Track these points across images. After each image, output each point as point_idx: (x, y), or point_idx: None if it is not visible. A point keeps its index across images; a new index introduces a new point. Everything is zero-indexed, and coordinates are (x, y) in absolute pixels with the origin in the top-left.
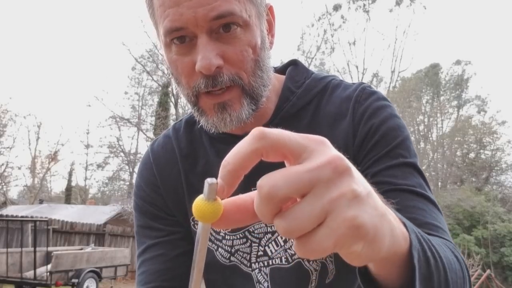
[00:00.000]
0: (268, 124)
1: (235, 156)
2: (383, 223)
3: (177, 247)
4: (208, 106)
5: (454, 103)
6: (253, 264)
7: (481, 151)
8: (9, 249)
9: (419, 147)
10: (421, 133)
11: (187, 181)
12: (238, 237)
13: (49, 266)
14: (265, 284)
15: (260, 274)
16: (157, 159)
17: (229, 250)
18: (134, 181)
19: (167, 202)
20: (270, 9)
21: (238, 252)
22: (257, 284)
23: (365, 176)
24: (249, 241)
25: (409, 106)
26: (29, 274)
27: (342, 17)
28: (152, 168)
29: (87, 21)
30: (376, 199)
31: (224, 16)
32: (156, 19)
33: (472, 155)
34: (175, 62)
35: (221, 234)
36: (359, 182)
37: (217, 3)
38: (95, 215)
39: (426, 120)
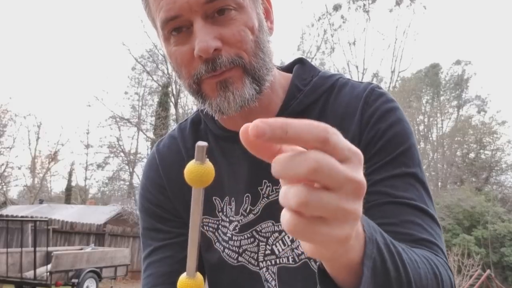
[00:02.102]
0: None
1: (302, 130)
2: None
3: (184, 249)
4: (211, 88)
5: (454, 103)
6: (260, 263)
7: (481, 151)
8: (9, 249)
9: (419, 147)
10: (421, 133)
11: None
12: (246, 237)
13: (49, 266)
14: (273, 283)
15: (267, 272)
16: (163, 160)
17: (237, 250)
18: (134, 181)
19: (174, 203)
20: None
21: (246, 252)
22: (265, 282)
23: (367, 182)
24: (256, 240)
25: (409, 106)
26: (29, 274)
27: (342, 17)
28: (158, 169)
29: (87, 21)
30: (361, 220)
31: None
32: (153, 15)
33: (472, 155)
34: (174, 54)
35: (228, 235)
36: (361, 208)
37: None
38: (95, 215)
39: (426, 120)
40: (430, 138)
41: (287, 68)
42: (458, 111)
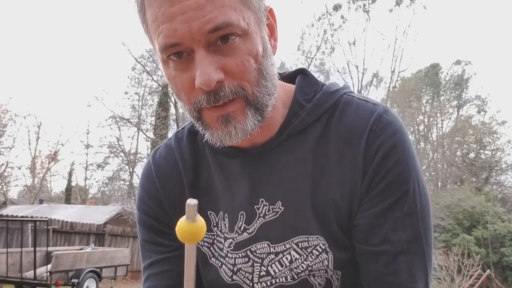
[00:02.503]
0: (275, 138)
1: None
2: None
3: (183, 262)
4: (212, 119)
5: (454, 103)
6: (255, 284)
7: (481, 151)
8: (9, 249)
9: (419, 147)
10: (421, 133)
11: (190, 195)
12: (240, 255)
13: (49, 266)
14: None
15: None
16: (160, 172)
17: (232, 268)
18: (134, 181)
19: (171, 216)
20: (270, 12)
21: (240, 271)
22: None
23: (367, 222)
24: (251, 260)
25: (409, 106)
26: (29, 274)
27: (342, 17)
28: (155, 181)
29: (87, 21)
30: None
31: (220, 28)
32: (151, 35)
33: (472, 155)
34: (174, 79)
35: (224, 251)
36: None
37: (212, 14)
38: (95, 215)
39: (426, 120)
40: (430, 138)
41: (288, 77)
42: (458, 111)
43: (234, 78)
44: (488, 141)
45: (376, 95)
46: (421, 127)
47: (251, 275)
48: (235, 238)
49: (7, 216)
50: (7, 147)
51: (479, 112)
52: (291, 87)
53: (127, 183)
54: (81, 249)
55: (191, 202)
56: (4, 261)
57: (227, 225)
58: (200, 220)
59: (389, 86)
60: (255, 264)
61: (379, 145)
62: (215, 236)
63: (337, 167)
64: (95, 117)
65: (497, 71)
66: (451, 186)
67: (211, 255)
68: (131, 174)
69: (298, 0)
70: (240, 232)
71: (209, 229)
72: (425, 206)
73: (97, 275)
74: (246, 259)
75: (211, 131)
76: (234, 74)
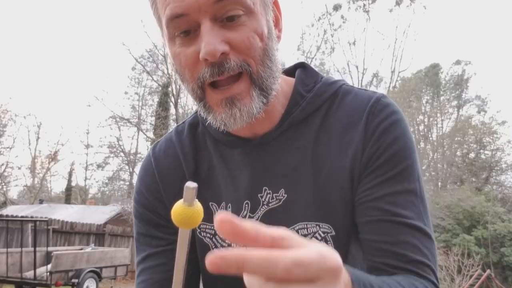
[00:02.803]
0: (276, 128)
1: (259, 267)
2: None
3: None
4: (216, 102)
5: (454, 103)
6: None
7: (481, 151)
8: (9, 249)
9: (419, 147)
10: (421, 133)
11: None
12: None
13: (49, 266)
14: None
15: None
16: (160, 165)
17: None
18: (134, 181)
19: (169, 209)
20: (275, 4)
21: None
22: None
23: (368, 196)
24: None
25: (409, 106)
26: (29, 274)
27: (342, 17)
28: (154, 174)
29: (87, 21)
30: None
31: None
32: (159, 13)
33: (472, 155)
34: (178, 56)
35: (228, 241)
36: None
37: None
38: (95, 215)
39: (426, 120)
40: (430, 138)
41: (288, 72)
42: (458, 111)
43: (240, 53)
44: (488, 141)
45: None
46: (421, 127)
47: None
48: None
49: (7, 216)
50: (7, 147)
51: (479, 112)
52: (292, 80)
53: (127, 183)
54: (81, 249)
55: (190, 185)
56: (4, 261)
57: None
58: (198, 205)
59: (389, 86)
60: None
61: (378, 123)
62: None
63: (338, 150)
64: (95, 117)
65: (497, 71)
66: (451, 186)
67: (213, 246)
68: (131, 174)
69: (298, 0)
70: None
71: (211, 220)
72: (423, 188)
73: (97, 275)
74: None
75: (214, 114)
76: (240, 49)
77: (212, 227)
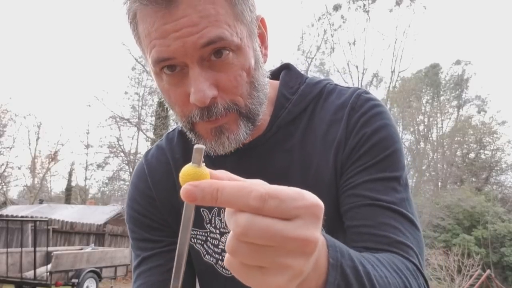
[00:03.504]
0: (265, 133)
1: (233, 196)
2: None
3: (174, 258)
4: (205, 131)
5: (454, 103)
6: None
7: (481, 151)
8: (9, 249)
9: (419, 147)
10: (421, 133)
11: None
12: None
13: (49, 266)
14: None
15: None
16: (152, 171)
17: None
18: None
19: (162, 213)
20: (261, 22)
21: None
22: None
23: (349, 185)
24: None
25: (409, 106)
26: (29, 274)
27: (342, 17)
28: (147, 180)
29: (87, 21)
30: (312, 263)
31: (214, 42)
32: (143, 47)
33: (472, 155)
34: (167, 92)
35: (221, 247)
36: (310, 262)
37: (206, 29)
38: (95, 215)
39: (426, 120)
40: (430, 138)
41: (274, 74)
42: (458, 111)
43: (227, 94)
44: (488, 141)
45: (376, 95)
46: (421, 127)
47: None
48: None
49: (7, 216)
50: (7, 147)
51: (479, 112)
52: (277, 83)
53: (127, 183)
54: (81, 249)
55: (199, 146)
56: (4, 261)
57: (223, 220)
58: (205, 168)
59: (389, 86)
60: None
61: (358, 117)
62: (209, 233)
63: (323, 148)
64: (95, 117)
65: (497, 71)
66: (451, 186)
67: (205, 253)
68: (131, 174)
69: (298, 0)
70: None
71: (202, 227)
72: (407, 178)
73: (97, 275)
74: None
75: (204, 142)
76: (227, 90)
77: (204, 233)
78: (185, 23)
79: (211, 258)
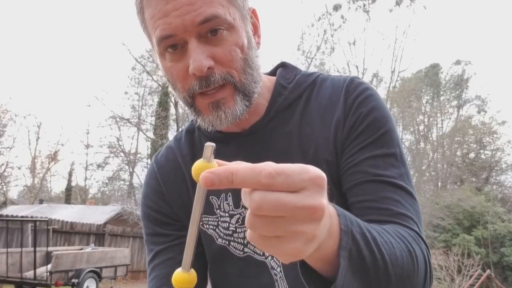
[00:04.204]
0: (263, 118)
1: (246, 177)
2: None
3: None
4: (203, 106)
5: (454, 103)
6: (265, 253)
7: (481, 151)
8: (9, 249)
9: (419, 147)
10: (421, 133)
11: (192, 185)
12: None
13: (49, 266)
14: (278, 269)
15: (273, 260)
16: (161, 169)
17: (242, 242)
18: (134, 181)
19: (173, 208)
20: (253, 13)
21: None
22: (272, 270)
23: (351, 162)
24: None
25: (409, 106)
26: (29, 274)
27: (342, 17)
28: (157, 177)
29: (87, 21)
30: (326, 230)
31: (209, 19)
32: (149, 32)
33: (472, 155)
34: (170, 69)
35: (231, 228)
36: (322, 228)
37: (202, 8)
38: (95, 215)
39: (426, 120)
40: (430, 138)
41: (271, 73)
42: (458, 111)
43: (223, 66)
44: (488, 141)
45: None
46: (421, 127)
47: None
48: (242, 213)
49: (7, 216)
50: (7, 147)
51: (479, 112)
52: (274, 77)
53: (127, 183)
54: (81, 249)
55: (209, 144)
56: (4, 261)
57: (231, 203)
58: (214, 163)
59: (389, 86)
60: None
61: (354, 98)
62: (219, 218)
63: (322, 129)
64: (95, 117)
65: (497, 71)
66: (451, 186)
67: (217, 236)
68: (131, 174)
69: (298, 0)
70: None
71: (213, 213)
72: (403, 152)
73: (97, 275)
74: None
75: (203, 117)
76: (223, 62)
77: (215, 219)
78: (184, 2)
79: (224, 241)
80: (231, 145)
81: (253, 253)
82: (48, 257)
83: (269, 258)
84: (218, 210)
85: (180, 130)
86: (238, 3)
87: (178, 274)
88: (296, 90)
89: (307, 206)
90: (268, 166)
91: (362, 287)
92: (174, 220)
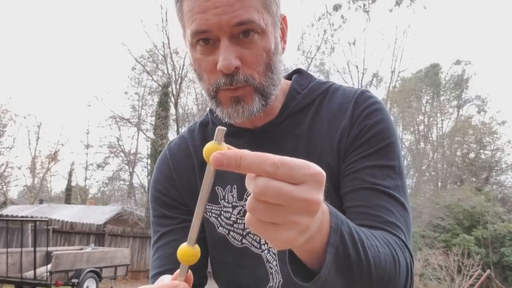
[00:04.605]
0: (276, 119)
1: (253, 163)
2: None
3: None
4: (225, 99)
5: (454, 103)
6: (262, 246)
7: (481, 151)
8: (9, 249)
9: (419, 147)
10: (421, 133)
11: (201, 174)
12: None
13: (49, 266)
14: (274, 263)
15: (269, 254)
16: (173, 156)
17: (241, 233)
18: (134, 181)
19: (181, 193)
20: (284, 19)
21: (249, 234)
22: (267, 263)
23: (351, 169)
24: None
25: (409, 106)
26: (29, 274)
27: (342, 17)
28: (169, 163)
29: (87, 21)
30: (317, 224)
31: (244, 23)
32: (184, 22)
33: (472, 155)
34: (199, 61)
35: (233, 218)
36: (315, 221)
37: (239, 11)
38: (95, 215)
39: (426, 120)
40: (430, 138)
41: (287, 77)
42: (458, 111)
43: (248, 68)
44: (488, 141)
45: (376, 95)
46: (421, 127)
47: (258, 238)
48: (244, 205)
49: (7, 216)
50: (7, 147)
51: (479, 112)
52: (289, 82)
53: (127, 183)
54: (81, 249)
55: (221, 128)
56: (4, 261)
57: (235, 195)
58: (224, 145)
59: (389, 86)
60: None
61: (362, 110)
62: (222, 208)
63: (329, 135)
64: (95, 117)
65: (497, 71)
66: (451, 186)
67: (218, 225)
68: (131, 174)
69: (298, 0)
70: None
71: (217, 202)
72: (403, 166)
73: (97, 275)
74: None
75: (222, 108)
76: (249, 64)
77: (218, 208)
78: (224, 2)
79: (224, 230)
80: (242, 140)
81: (250, 245)
82: (48, 257)
83: (266, 251)
84: (222, 201)
85: (195, 122)
86: (272, 10)
87: (183, 248)
88: (309, 96)
89: (305, 199)
90: (273, 156)
91: (343, 283)
92: (181, 204)
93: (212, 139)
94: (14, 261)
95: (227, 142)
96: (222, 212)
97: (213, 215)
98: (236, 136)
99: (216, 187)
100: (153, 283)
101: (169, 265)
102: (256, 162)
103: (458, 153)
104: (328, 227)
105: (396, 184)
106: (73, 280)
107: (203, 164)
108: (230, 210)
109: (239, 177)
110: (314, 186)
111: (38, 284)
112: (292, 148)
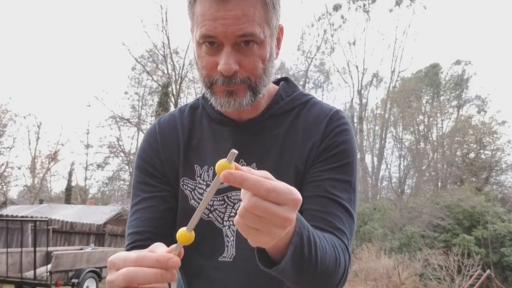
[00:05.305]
0: (259, 117)
1: (252, 185)
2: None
3: (166, 202)
4: (220, 90)
5: (454, 103)
6: (225, 222)
7: (481, 151)
8: (9, 249)
9: (419, 147)
10: (421, 133)
11: (184, 151)
12: (218, 199)
13: (49, 266)
14: (231, 239)
15: (229, 230)
16: (162, 130)
17: (209, 208)
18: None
19: (163, 165)
20: (280, 30)
21: (216, 211)
22: (226, 237)
23: (316, 177)
24: (225, 203)
25: (409, 106)
26: (29, 274)
27: (342, 17)
28: (156, 136)
29: (87, 21)
30: (297, 220)
31: (247, 35)
32: (194, 23)
33: (472, 155)
34: (202, 58)
35: (204, 195)
36: (285, 231)
37: (244, 25)
38: (95, 215)
39: (426, 120)
40: (430, 138)
41: (275, 82)
42: (458, 111)
43: (245, 71)
44: (488, 141)
45: (376, 95)
46: (421, 127)
47: (223, 215)
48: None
49: (7, 216)
50: (7, 147)
51: (479, 112)
52: (276, 87)
53: (127, 183)
54: (81, 249)
55: (234, 151)
56: (4, 261)
57: (210, 175)
58: (233, 165)
59: (389, 86)
60: (227, 207)
61: (334, 127)
62: (197, 184)
63: (302, 142)
64: (95, 117)
65: (497, 71)
66: (451, 186)
67: (191, 198)
68: (131, 174)
69: (298, 0)
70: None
71: (193, 178)
72: (357, 183)
73: (97, 275)
74: (222, 202)
75: (215, 97)
76: (246, 69)
77: (193, 183)
78: (232, 15)
79: (195, 203)
80: (227, 129)
81: (214, 219)
82: (48, 257)
83: (226, 227)
84: (199, 178)
85: (185, 104)
86: (272, 24)
87: (182, 232)
88: (291, 103)
89: (283, 217)
90: (268, 182)
91: (295, 274)
92: (162, 175)
93: (198, 123)
94: (14, 261)
95: (215, 129)
96: (197, 188)
97: (188, 188)
98: (222, 124)
99: (195, 165)
100: (129, 241)
101: (145, 227)
102: (255, 186)
103: (458, 153)
104: (293, 230)
105: (349, 197)
106: (73, 280)
107: (187, 143)
108: (204, 187)
109: (217, 160)
110: (292, 208)
111: (38, 284)
112: (268, 145)
